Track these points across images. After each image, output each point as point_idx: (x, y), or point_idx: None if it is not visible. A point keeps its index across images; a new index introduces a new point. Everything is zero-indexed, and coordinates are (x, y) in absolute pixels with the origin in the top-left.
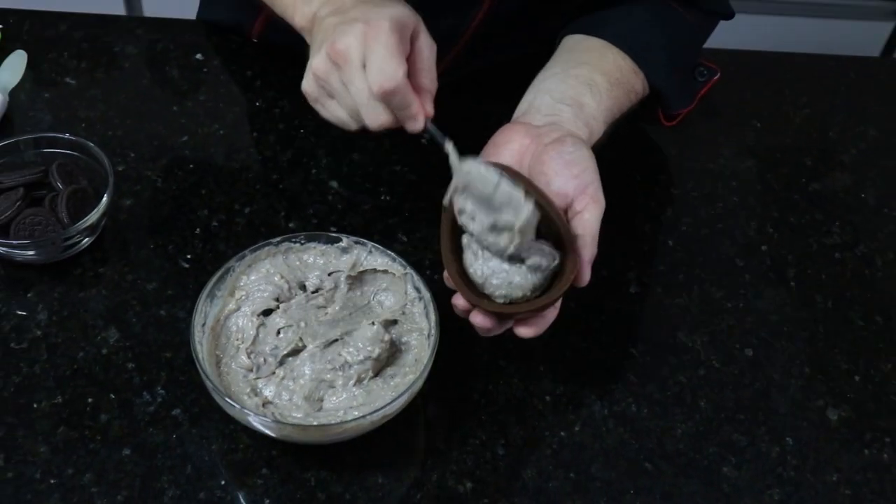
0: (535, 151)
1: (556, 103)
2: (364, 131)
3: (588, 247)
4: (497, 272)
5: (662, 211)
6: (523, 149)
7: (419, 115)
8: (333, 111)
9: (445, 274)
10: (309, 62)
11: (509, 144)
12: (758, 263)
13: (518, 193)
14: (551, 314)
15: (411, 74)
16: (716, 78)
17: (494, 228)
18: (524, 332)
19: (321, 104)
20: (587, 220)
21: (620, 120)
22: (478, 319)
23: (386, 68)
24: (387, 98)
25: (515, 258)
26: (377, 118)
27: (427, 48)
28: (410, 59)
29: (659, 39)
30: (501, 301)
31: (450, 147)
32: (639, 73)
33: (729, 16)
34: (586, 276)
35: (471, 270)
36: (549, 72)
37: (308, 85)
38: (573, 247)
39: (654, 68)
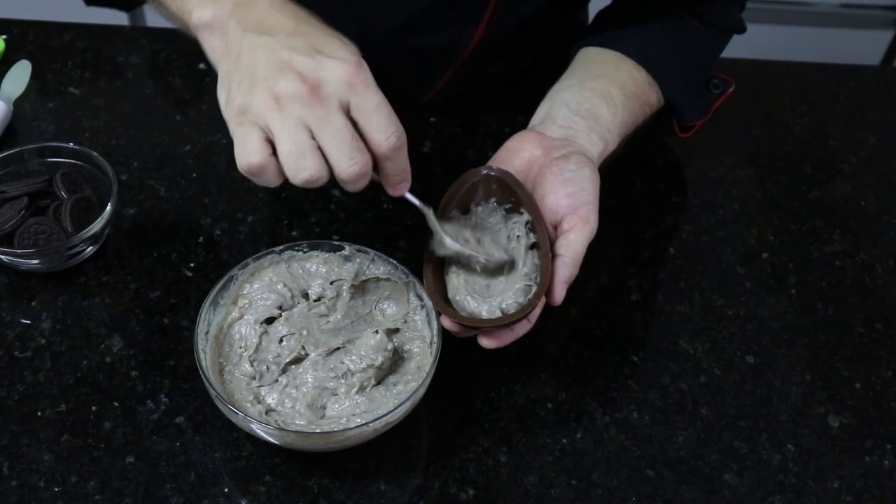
0: (542, 164)
1: (571, 115)
2: (285, 185)
3: (566, 267)
4: (464, 301)
5: (663, 219)
6: (533, 159)
7: (409, 178)
8: (252, 142)
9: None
10: (257, 88)
11: (521, 152)
12: (758, 271)
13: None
14: (521, 328)
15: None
16: (730, 90)
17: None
18: (486, 343)
19: (244, 129)
20: (572, 240)
21: (635, 132)
22: (446, 323)
23: (393, 121)
24: (393, 153)
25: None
26: (360, 166)
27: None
28: None
29: (673, 52)
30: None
31: (431, 215)
32: (653, 85)
33: (741, 31)
34: (559, 295)
35: (446, 278)
36: (565, 83)
37: (254, 104)
38: (551, 265)
39: (668, 80)
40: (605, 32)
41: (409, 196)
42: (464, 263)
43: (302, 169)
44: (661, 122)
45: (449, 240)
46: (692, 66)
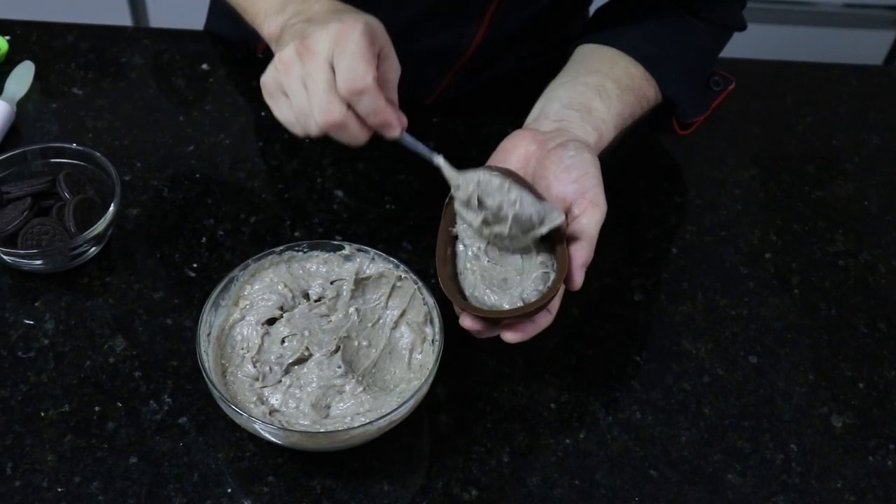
0: (539, 157)
1: (564, 109)
2: (307, 139)
3: (583, 250)
4: (483, 297)
5: (666, 219)
6: (529, 154)
7: (394, 122)
8: (283, 110)
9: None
10: (275, 56)
11: (516, 150)
12: (761, 271)
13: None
14: (544, 320)
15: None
16: (731, 87)
17: (496, 220)
18: (510, 337)
19: (274, 100)
20: (584, 224)
21: (632, 126)
22: (467, 322)
23: (356, 67)
24: (354, 98)
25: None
26: (329, 114)
27: (393, 70)
28: (378, 74)
29: (672, 49)
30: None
31: (441, 160)
32: (650, 80)
33: (742, 28)
34: (578, 279)
35: (460, 277)
36: (560, 80)
37: (268, 76)
38: (566, 250)
39: (666, 76)
40: (603, 30)
41: (409, 138)
42: (488, 228)
43: (291, 129)
44: (660, 119)
45: (470, 183)
46: (691, 64)
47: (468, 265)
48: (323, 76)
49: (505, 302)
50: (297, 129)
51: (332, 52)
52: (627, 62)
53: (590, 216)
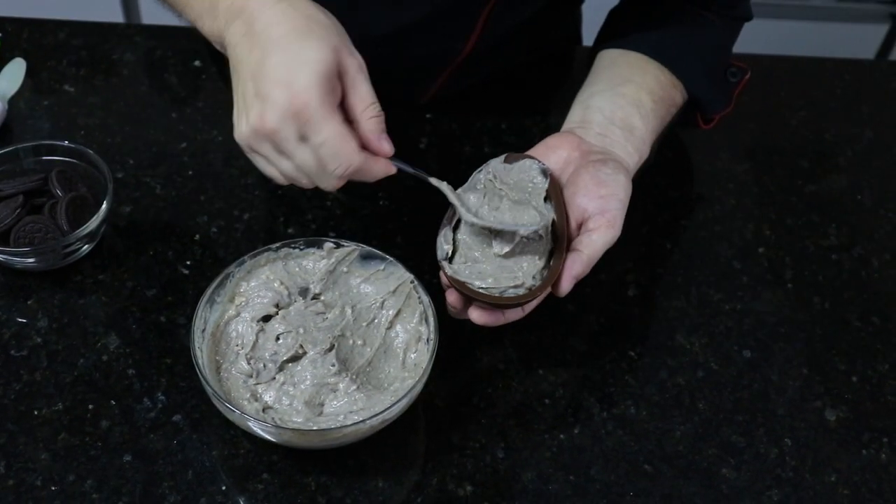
0: (578, 165)
1: (607, 123)
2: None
3: (580, 263)
4: (471, 272)
5: (660, 214)
6: (570, 159)
7: (388, 170)
8: (269, 169)
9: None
10: (240, 119)
11: (559, 150)
12: (755, 265)
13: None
14: (513, 314)
15: (349, 111)
16: (747, 77)
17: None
18: (476, 316)
19: (254, 159)
20: (594, 239)
21: (664, 135)
22: (445, 279)
23: (341, 152)
24: (348, 176)
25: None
26: (331, 184)
27: (357, 72)
28: (344, 96)
29: (693, 48)
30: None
31: (444, 185)
32: (677, 84)
33: (749, 17)
34: (565, 288)
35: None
36: (595, 88)
37: (243, 139)
38: (565, 258)
39: (692, 78)
40: (623, 33)
41: (403, 166)
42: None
43: (304, 184)
44: (685, 116)
45: (472, 216)
46: (712, 60)
47: (466, 250)
48: (307, 156)
49: (492, 284)
50: (284, 181)
51: (299, 133)
52: (656, 69)
53: (601, 234)
